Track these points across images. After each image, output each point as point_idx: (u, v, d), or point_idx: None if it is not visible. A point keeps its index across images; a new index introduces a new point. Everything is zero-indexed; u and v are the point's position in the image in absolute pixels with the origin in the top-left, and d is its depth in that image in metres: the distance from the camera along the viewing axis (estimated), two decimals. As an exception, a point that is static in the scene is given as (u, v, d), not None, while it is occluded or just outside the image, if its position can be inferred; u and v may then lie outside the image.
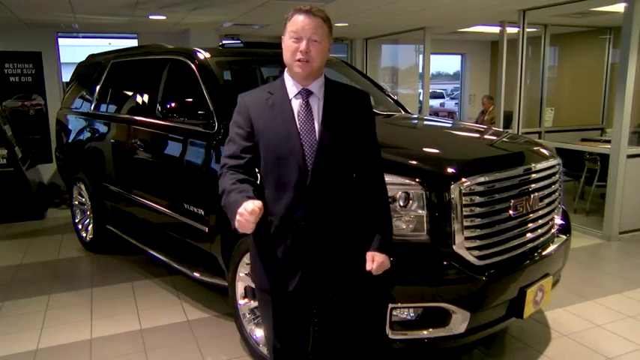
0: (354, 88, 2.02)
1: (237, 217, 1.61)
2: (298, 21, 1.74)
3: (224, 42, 4.26)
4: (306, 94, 1.81)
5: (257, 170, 1.85)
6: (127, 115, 4.08)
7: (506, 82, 6.55)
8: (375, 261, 1.83)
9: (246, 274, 2.77)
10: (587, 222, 5.47)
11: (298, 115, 1.78)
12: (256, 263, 1.89)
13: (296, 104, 1.80)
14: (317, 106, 1.81)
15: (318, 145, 1.76)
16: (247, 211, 1.58)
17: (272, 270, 1.83)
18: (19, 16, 6.29)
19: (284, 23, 1.80)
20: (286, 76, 1.85)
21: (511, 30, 6.76)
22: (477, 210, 2.37)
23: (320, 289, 1.86)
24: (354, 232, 1.86)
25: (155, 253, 3.75)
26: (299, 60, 1.74)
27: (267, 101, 1.83)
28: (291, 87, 1.82)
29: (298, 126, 1.77)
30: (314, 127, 1.78)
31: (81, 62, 5.35)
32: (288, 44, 1.76)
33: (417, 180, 2.32)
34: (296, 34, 1.74)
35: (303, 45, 1.73)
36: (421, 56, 8.69)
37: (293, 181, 1.75)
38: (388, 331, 2.32)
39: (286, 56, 1.78)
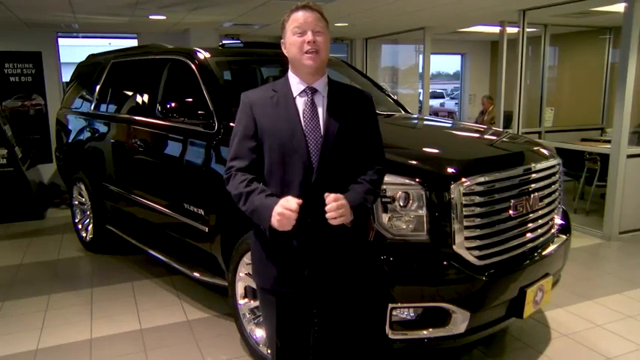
0: (356, 88, 2.02)
1: (278, 216, 1.67)
2: (299, 16, 1.77)
3: (224, 42, 4.26)
4: (311, 92, 1.81)
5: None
6: (126, 115, 4.08)
7: (506, 82, 6.55)
8: (337, 198, 1.68)
9: (246, 273, 2.77)
10: (587, 222, 5.46)
11: (303, 113, 1.79)
12: (259, 263, 1.89)
13: (300, 102, 1.81)
14: (321, 104, 1.82)
15: (323, 142, 1.76)
16: (291, 209, 1.65)
17: (277, 270, 1.82)
18: (19, 16, 6.29)
19: (282, 25, 1.82)
20: (290, 74, 1.86)
21: (511, 30, 6.76)
22: (477, 210, 2.37)
23: (325, 288, 1.85)
24: (357, 230, 1.86)
25: (155, 253, 3.75)
26: (308, 52, 1.75)
27: (271, 99, 1.83)
28: (296, 85, 1.83)
29: (303, 124, 1.78)
30: (319, 125, 1.78)
31: (81, 62, 5.35)
32: (293, 40, 1.78)
33: (417, 180, 2.32)
34: (299, 28, 1.76)
35: (309, 36, 1.75)
36: (421, 56, 8.69)
37: (298, 178, 1.76)
38: (388, 331, 2.32)
39: (293, 52, 1.79)
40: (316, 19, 1.77)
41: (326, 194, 1.70)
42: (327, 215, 1.69)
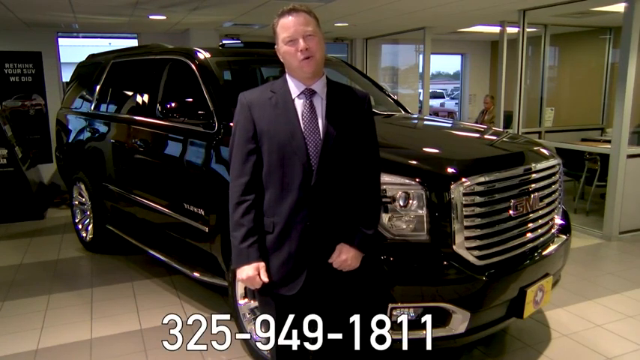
0: (355, 88, 2.02)
1: (244, 276, 1.80)
2: (287, 24, 1.75)
3: (224, 42, 4.26)
4: (309, 93, 1.81)
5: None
6: (127, 115, 4.08)
7: (506, 82, 6.56)
8: (341, 254, 1.81)
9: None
10: (587, 222, 5.47)
11: (302, 115, 1.78)
12: None
13: (299, 104, 1.80)
14: (320, 105, 1.81)
15: (322, 145, 1.76)
16: (254, 284, 1.79)
17: (275, 273, 1.82)
18: (19, 16, 6.29)
19: (273, 31, 1.82)
20: (288, 76, 1.85)
21: (511, 30, 6.77)
22: (477, 210, 2.37)
23: (324, 290, 1.85)
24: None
25: (155, 253, 3.75)
26: (303, 59, 1.74)
27: (270, 100, 1.82)
28: (294, 87, 1.82)
29: (302, 126, 1.77)
30: (318, 127, 1.78)
31: (81, 62, 5.35)
32: (286, 50, 1.77)
33: (417, 180, 2.32)
34: (290, 37, 1.75)
35: (301, 44, 1.73)
36: (421, 56, 8.70)
37: (297, 181, 1.75)
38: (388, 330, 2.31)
39: (289, 61, 1.79)
40: (305, 23, 1.75)
41: (334, 253, 1.81)
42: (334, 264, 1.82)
